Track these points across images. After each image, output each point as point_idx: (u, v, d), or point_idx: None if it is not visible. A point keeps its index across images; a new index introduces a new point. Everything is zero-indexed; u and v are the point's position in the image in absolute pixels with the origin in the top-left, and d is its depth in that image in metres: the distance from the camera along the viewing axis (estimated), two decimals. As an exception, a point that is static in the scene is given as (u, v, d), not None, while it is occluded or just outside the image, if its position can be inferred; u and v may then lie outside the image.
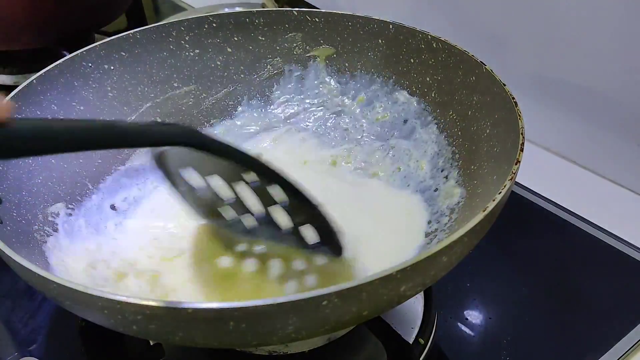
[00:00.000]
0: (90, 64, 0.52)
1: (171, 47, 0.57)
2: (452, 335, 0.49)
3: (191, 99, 0.59)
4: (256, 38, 0.58)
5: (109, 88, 0.54)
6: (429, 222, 0.48)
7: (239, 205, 0.44)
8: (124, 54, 0.54)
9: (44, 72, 0.49)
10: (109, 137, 0.35)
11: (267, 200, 0.43)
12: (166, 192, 0.47)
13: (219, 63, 0.59)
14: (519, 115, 0.41)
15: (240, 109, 0.60)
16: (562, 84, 0.65)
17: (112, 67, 0.54)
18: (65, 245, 0.45)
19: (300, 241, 0.44)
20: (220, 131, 0.59)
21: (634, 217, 0.60)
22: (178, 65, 0.57)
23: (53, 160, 0.48)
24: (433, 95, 0.52)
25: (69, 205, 0.48)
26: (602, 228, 0.58)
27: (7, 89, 0.56)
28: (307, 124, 0.60)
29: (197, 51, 0.58)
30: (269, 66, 0.59)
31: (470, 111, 0.48)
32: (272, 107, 0.60)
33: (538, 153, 0.70)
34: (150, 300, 0.28)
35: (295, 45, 0.59)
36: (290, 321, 0.29)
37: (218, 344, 0.36)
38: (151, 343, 0.46)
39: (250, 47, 0.59)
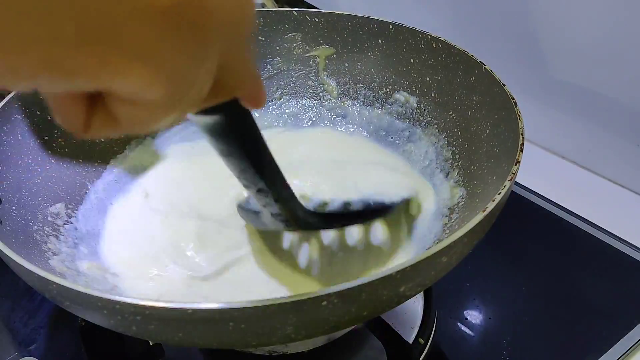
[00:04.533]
0: (90, 64, 0.52)
1: (171, 47, 0.57)
2: (452, 335, 0.49)
3: (191, 99, 0.58)
4: (256, 38, 0.58)
5: (109, 88, 0.54)
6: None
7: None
8: (124, 54, 0.54)
9: (44, 73, 0.48)
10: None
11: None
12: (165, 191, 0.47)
13: (219, 63, 0.58)
14: (519, 116, 0.41)
15: (240, 109, 0.60)
16: (562, 84, 0.65)
17: (112, 67, 0.54)
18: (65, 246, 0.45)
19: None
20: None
21: (634, 217, 0.60)
22: (178, 65, 0.57)
23: (53, 160, 0.48)
24: (433, 95, 0.52)
25: (69, 205, 0.48)
26: (602, 228, 0.58)
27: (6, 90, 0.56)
28: (307, 123, 0.60)
29: (197, 51, 0.58)
30: (269, 66, 0.59)
31: (470, 111, 0.48)
32: (271, 107, 0.60)
33: (538, 153, 0.70)
34: (150, 301, 0.28)
35: (295, 45, 0.58)
36: (290, 321, 0.29)
37: (218, 344, 0.36)
38: (151, 343, 0.46)
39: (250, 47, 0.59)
